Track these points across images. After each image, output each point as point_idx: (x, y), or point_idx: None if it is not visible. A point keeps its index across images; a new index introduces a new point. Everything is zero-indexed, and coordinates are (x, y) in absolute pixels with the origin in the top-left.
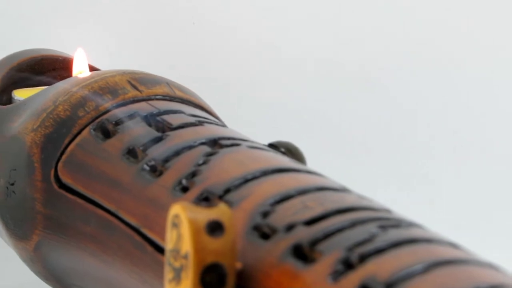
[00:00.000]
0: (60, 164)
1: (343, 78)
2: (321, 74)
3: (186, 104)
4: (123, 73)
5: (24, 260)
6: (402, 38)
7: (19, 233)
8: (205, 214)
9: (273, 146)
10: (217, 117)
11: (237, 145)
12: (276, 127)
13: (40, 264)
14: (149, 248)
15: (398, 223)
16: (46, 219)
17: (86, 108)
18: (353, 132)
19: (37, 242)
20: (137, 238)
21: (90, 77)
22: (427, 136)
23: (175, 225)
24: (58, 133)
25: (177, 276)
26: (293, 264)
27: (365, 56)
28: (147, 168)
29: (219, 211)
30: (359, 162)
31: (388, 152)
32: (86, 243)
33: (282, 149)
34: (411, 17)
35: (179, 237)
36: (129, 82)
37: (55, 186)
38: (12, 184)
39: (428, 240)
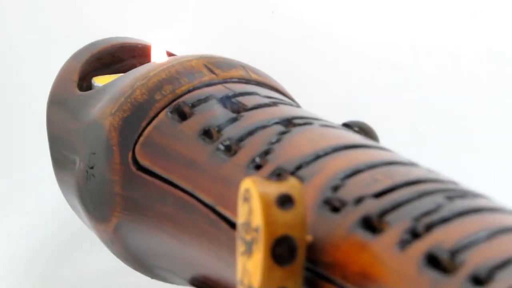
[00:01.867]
0: (137, 147)
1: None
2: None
3: (261, 86)
4: (200, 57)
5: (105, 242)
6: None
7: (99, 216)
8: (275, 188)
9: (347, 125)
10: (292, 99)
11: (310, 124)
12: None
13: (119, 245)
14: (224, 225)
15: (464, 194)
16: (125, 200)
17: (163, 92)
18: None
19: (117, 224)
20: (212, 216)
21: (167, 62)
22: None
23: (246, 199)
24: (136, 116)
25: (249, 249)
26: (362, 235)
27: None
28: (222, 147)
29: (289, 185)
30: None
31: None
32: (164, 223)
33: (356, 128)
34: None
35: (250, 211)
36: (205, 66)
37: (133, 168)
38: (92, 168)
39: (493, 210)
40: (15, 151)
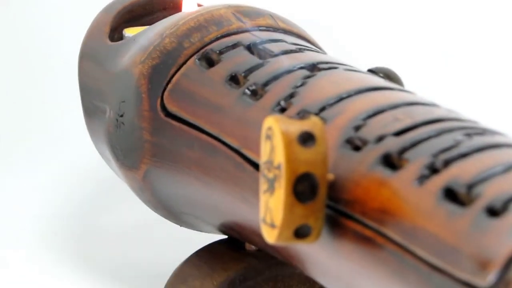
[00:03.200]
0: (166, 94)
1: None
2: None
3: (289, 34)
4: (228, 6)
5: (134, 190)
6: None
7: (129, 163)
8: (297, 126)
9: (372, 71)
10: (319, 47)
11: (335, 68)
12: None
13: (149, 192)
14: (249, 168)
15: (483, 131)
16: (154, 147)
17: (192, 39)
18: None
19: (146, 171)
20: (238, 159)
21: (196, 11)
22: None
23: (269, 137)
24: (164, 64)
25: (271, 186)
26: (382, 172)
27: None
28: (248, 92)
29: (311, 123)
30: None
31: None
32: (191, 168)
33: (381, 74)
34: None
35: (272, 149)
36: (233, 14)
37: (161, 115)
38: (122, 116)
39: (511, 145)
40: (49, 105)
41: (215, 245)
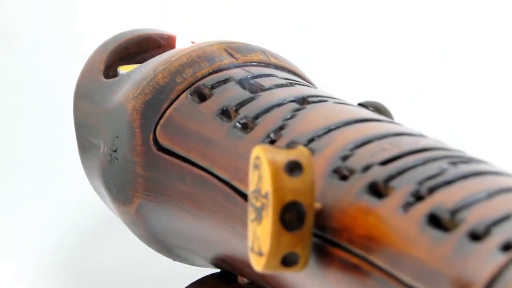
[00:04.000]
0: (158, 128)
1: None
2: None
3: (280, 69)
4: (221, 42)
5: (127, 224)
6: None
7: (122, 198)
8: (284, 155)
9: (362, 105)
10: (310, 82)
11: (325, 101)
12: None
13: (142, 226)
14: (239, 199)
15: (468, 160)
16: (146, 181)
17: (184, 75)
18: None
19: (138, 205)
20: (228, 190)
21: (189, 47)
22: None
23: (256, 166)
24: (157, 99)
25: (259, 215)
26: (368, 200)
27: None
28: (239, 125)
29: (298, 152)
30: None
31: None
32: (183, 201)
33: (371, 108)
34: None
35: (260, 178)
36: (226, 50)
37: (154, 149)
38: (115, 151)
39: (496, 173)
40: (46, 143)
41: (208, 278)
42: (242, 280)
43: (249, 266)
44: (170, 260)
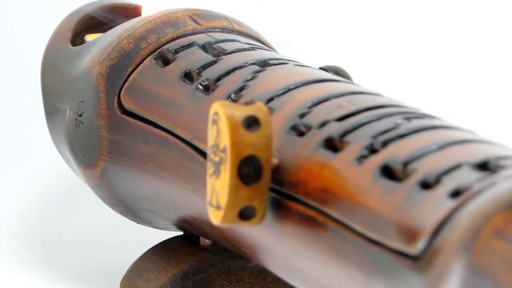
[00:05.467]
0: (122, 92)
1: None
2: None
3: (243, 36)
4: (185, 9)
5: (92, 187)
6: None
7: (87, 161)
8: (242, 110)
9: (322, 69)
10: (273, 49)
11: (285, 63)
12: None
13: (106, 189)
14: (200, 159)
15: (422, 116)
16: (110, 144)
17: (149, 40)
18: None
19: (103, 168)
20: (190, 150)
21: (154, 14)
22: None
23: (215, 122)
24: (122, 63)
25: (217, 169)
26: (324, 154)
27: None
28: (201, 87)
29: (256, 108)
30: None
31: None
32: (146, 163)
33: (331, 72)
34: None
35: (218, 133)
36: (190, 17)
37: (118, 112)
38: (81, 115)
39: (448, 127)
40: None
41: (170, 240)
42: (204, 242)
43: (210, 225)
44: (136, 225)
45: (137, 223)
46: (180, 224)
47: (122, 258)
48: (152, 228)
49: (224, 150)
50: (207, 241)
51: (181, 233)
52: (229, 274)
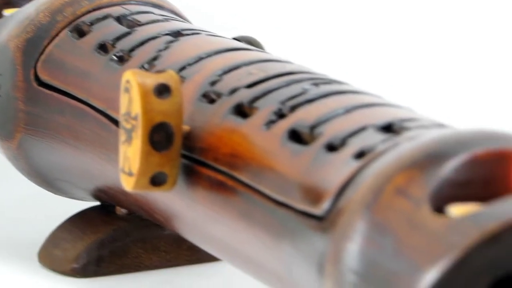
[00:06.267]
0: (39, 64)
1: None
2: None
3: (158, 8)
4: None
5: (10, 159)
6: None
7: (4, 133)
8: (154, 78)
9: (235, 39)
10: (187, 20)
11: (198, 33)
12: None
13: (23, 161)
14: (114, 127)
15: (330, 81)
16: (27, 116)
17: (65, 13)
18: None
19: (20, 140)
20: (105, 120)
21: None
22: None
23: (127, 89)
24: (38, 36)
25: (129, 136)
26: (233, 120)
27: None
28: (115, 58)
29: (167, 76)
30: None
31: None
32: (63, 134)
33: (243, 42)
34: None
35: (130, 101)
36: None
37: (35, 84)
38: None
39: (355, 92)
40: None
41: (87, 211)
42: (120, 211)
43: (124, 193)
44: (55, 197)
45: (55, 194)
46: (96, 193)
47: (40, 230)
48: (70, 199)
49: (135, 118)
50: (123, 211)
51: (98, 203)
52: (144, 243)
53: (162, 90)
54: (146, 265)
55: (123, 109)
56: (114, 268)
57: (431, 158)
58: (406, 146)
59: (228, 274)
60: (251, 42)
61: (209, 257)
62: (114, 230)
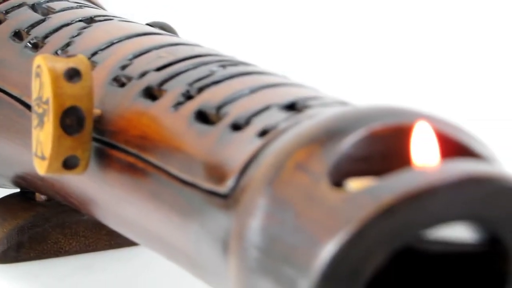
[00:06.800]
0: None
1: None
2: None
3: None
4: None
5: None
6: None
7: None
8: (64, 63)
9: (149, 25)
10: (102, 7)
11: (110, 19)
12: None
13: None
14: (28, 113)
15: (237, 63)
16: None
17: None
18: None
19: None
20: (19, 106)
21: None
22: None
23: (38, 74)
24: None
25: (41, 121)
26: (143, 103)
27: None
28: (30, 45)
29: (77, 60)
30: None
31: None
32: None
33: (157, 28)
34: None
35: (41, 85)
36: None
37: None
38: None
39: (261, 73)
40: None
41: (6, 198)
42: (40, 197)
43: (41, 179)
44: None
45: None
46: (15, 180)
47: None
48: None
49: (47, 102)
50: (43, 197)
51: (18, 190)
52: (63, 228)
53: (73, 75)
54: (66, 250)
55: (34, 94)
56: (34, 253)
57: (330, 134)
58: (306, 123)
59: (147, 259)
60: (164, 28)
61: (128, 241)
62: (34, 216)
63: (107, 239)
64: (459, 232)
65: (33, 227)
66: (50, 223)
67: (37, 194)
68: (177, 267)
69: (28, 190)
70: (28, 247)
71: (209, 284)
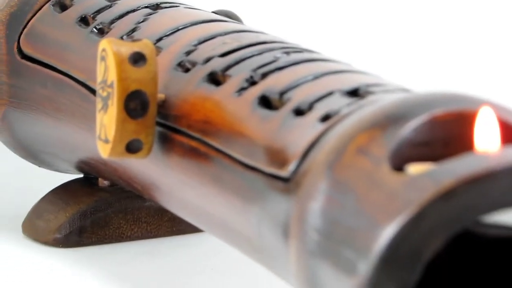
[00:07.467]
0: (22, 37)
1: None
2: None
3: None
4: None
5: None
6: None
7: None
8: (129, 47)
9: (214, 12)
10: None
11: (176, 6)
12: None
13: (7, 133)
14: (93, 98)
15: (302, 50)
16: (11, 88)
17: None
18: None
19: (4, 112)
20: (84, 91)
21: None
22: None
23: (103, 58)
24: (21, 10)
25: (105, 104)
26: (207, 88)
27: None
28: (96, 30)
29: (142, 44)
30: None
31: None
32: (45, 105)
33: (222, 15)
34: None
35: (106, 69)
36: None
37: (18, 57)
38: None
39: (325, 60)
40: None
41: (70, 183)
42: (103, 183)
43: (104, 163)
44: (39, 169)
45: (39, 166)
46: (79, 165)
47: (25, 202)
48: (55, 172)
49: (111, 85)
50: (106, 182)
51: (81, 175)
52: (126, 214)
53: (137, 59)
54: (128, 236)
55: (99, 77)
56: (96, 238)
57: (391, 119)
58: (368, 108)
59: (209, 246)
60: (229, 16)
61: (190, 228)
62: (96, 201)
63: (169, 225)
64: None
65: (95, 212)
66: (113, 209)
67: (100, 179)
68: (239, 254)
69: (92, 175)
70: (90, 232)
71: (269, 269)
